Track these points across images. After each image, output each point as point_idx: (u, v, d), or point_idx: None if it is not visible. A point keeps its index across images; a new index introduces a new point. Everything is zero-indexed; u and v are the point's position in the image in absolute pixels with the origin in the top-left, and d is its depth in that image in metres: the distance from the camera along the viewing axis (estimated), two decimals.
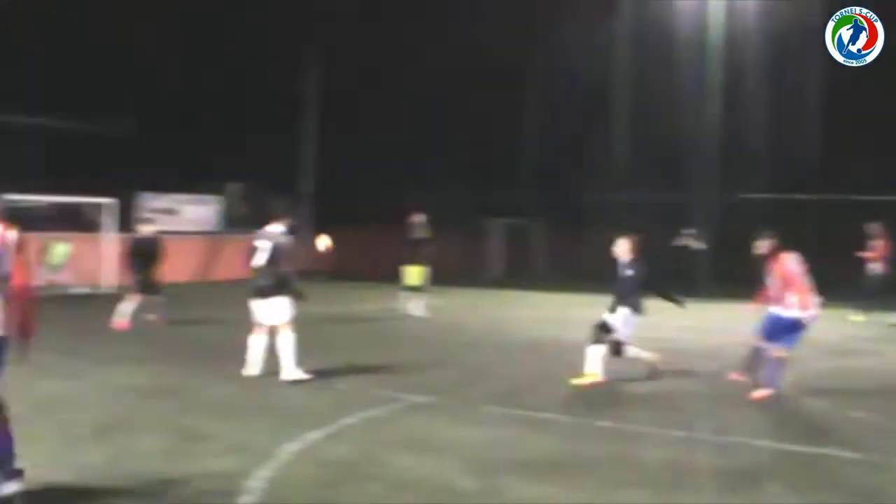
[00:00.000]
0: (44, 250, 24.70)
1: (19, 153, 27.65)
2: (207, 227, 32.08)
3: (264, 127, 33.91)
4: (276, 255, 12.35)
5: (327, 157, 36.48)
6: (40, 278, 24.30)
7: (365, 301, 24.54)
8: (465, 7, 32.14)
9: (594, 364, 12.47)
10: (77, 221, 25.17)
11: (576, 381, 12.37)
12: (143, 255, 18.00)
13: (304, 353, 14.23)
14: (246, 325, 12.87)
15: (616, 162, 32.35)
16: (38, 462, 7.87)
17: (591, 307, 12.90)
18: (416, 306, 21.05)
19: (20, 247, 6.94)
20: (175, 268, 19.04)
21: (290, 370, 12.26)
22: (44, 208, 24.95)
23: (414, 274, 21.06)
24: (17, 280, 6.85)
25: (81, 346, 15.29)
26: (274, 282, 12.36)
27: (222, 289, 24.94)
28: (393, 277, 21.84)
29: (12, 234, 6.92)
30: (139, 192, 29.99)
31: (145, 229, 19.08)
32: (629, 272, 12.57)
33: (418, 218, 21.16)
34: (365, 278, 29.90)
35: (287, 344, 12.30)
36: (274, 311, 12.39)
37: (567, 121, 31.40)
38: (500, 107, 33.27)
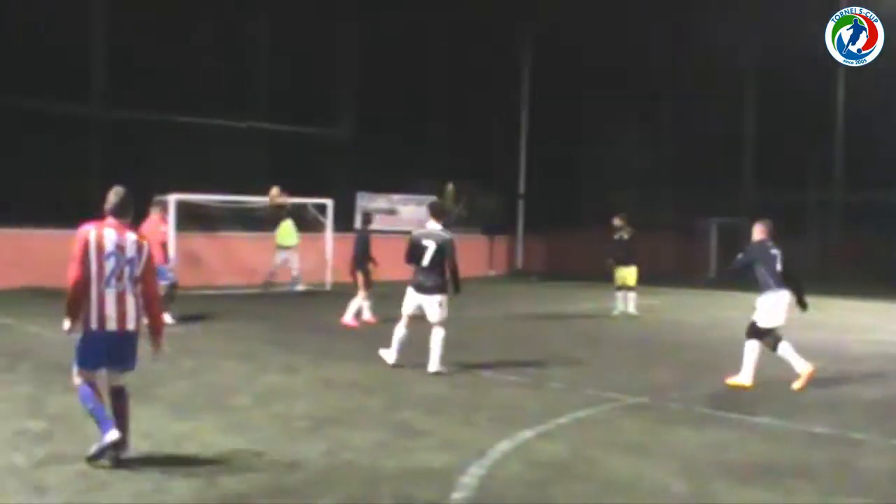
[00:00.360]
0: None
1: (245, 157, 28.76)
2: None
3: (483, 128, 34.32)
4: (440, 253, 12.70)
5: (541, 158, 36.55)
6: (267, 272, 25.08)
7: (578, 301, 24.48)
8: (684, 4, 31.73)
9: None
10: (300, 221, 25.78)
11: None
12: (363, 254, 18.40)
13: (516, 352, 14.37)
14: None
15: (834, 163, 31.41)
16: (257, 452, 8.20)
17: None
18: (629, 306, 20.89)
19: (151, 256, 7.81)
20: (392, 267, 19.42)
21: (436, 363, 12.68)
22: (267, 209, 25.74)
23: (626, 274, 20.91)
24: (148, 285, 7.74)
25: (300, 342, 15.82)
26: (439, 280, 12.75)
27: None
28: (606, 278, 21.70)
29: (146, 245, 7.77)
30: (358, 193, 30.79)
31: (363, 228, 19.48)
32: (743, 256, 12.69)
33: (619, 218, 21.02)
34: (578, 278, 29.81)
35: (438, 340, 12.70)
36: (434, 309, 12.74)
37: (785, 121, 30.61)
38: (717, 106, 32.75)
